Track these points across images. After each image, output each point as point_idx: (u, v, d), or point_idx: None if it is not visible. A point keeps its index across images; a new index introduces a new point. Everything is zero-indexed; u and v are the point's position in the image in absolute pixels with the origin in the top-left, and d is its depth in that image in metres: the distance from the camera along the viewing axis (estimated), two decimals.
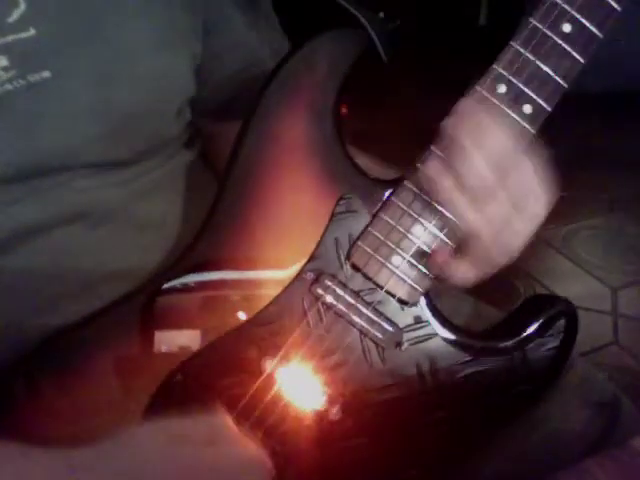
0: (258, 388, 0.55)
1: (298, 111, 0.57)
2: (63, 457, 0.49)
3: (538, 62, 0.52)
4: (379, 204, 0.56)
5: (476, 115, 0.52)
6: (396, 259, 0.56)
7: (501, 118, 0.52)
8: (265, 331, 0.56)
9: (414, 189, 0.55)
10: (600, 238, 2.06)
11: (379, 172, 0.59)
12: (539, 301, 0.61)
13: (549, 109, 0.53)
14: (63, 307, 0.59)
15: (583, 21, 0.51)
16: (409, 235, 0.55)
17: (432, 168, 0.53)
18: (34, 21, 0.54)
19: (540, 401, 0.60)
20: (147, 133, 0.62)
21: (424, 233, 0.55)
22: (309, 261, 0.56)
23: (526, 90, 0.52)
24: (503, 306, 0.67)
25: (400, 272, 0.56)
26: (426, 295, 0.57)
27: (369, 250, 0.56)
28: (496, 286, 0.59)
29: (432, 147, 0.53)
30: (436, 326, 0.57)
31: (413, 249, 0.55)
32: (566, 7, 0.51)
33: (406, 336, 0.57)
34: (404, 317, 0.57)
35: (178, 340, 0.56)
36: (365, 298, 0.56)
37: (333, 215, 0.57)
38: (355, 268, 0.56)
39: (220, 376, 0.55)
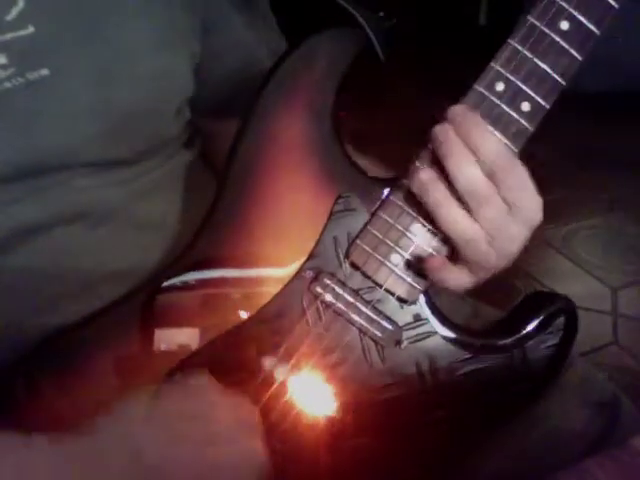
0: (257, 386, 0.55)
1: (296, 110, 0.57)
2: (65, 447, 0.49)
3: (536, 60, 0.52)
4: (378, 203, 0.56)
5: (468, 121, 0.51)
6: (395, 257, 0.56)
7: (494, 120, 0.52)
8: (264, 329, 0.56)
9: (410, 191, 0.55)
10: (600, 238, 2.06)
11: (378, 173, 0.59)
12: (539, 298, 0.61)
13: (547, 107, 0.53)
14: (63, 307, 0.59)
15: (581, 18, 0.51)
16: (408, 233, 0.55)
17: (425, 175, 0.52)
18: (33, 19, 0.54)
19: (540, 400, 0.60)
20: (147, 133, 0.62)
21: (423, 231, 0.55)
22: (308, 259, 0.57)
23: (524, 88, 0.52)
24: (503, 306, 0.67)
25: (399, 270, 0.56)
26: (425, 293, 0.57)
27: (368, 248, 0.56)
28: (496, 286, 0.59)
29: (424, 153, 0.53)
30: (435, 324, 0.57)
31: (412, 247, 0.55)
32: (564, 4, 0.51)
33: (405, 334, 0.57)
34: (403, 315, 0.57)
35: (177, 338, 0.56)
36: (364, 296, 0.56)
37: (332, 214, 0.57)
38: (354, 266, 0.56)
39: (219, 374, 0.55)
